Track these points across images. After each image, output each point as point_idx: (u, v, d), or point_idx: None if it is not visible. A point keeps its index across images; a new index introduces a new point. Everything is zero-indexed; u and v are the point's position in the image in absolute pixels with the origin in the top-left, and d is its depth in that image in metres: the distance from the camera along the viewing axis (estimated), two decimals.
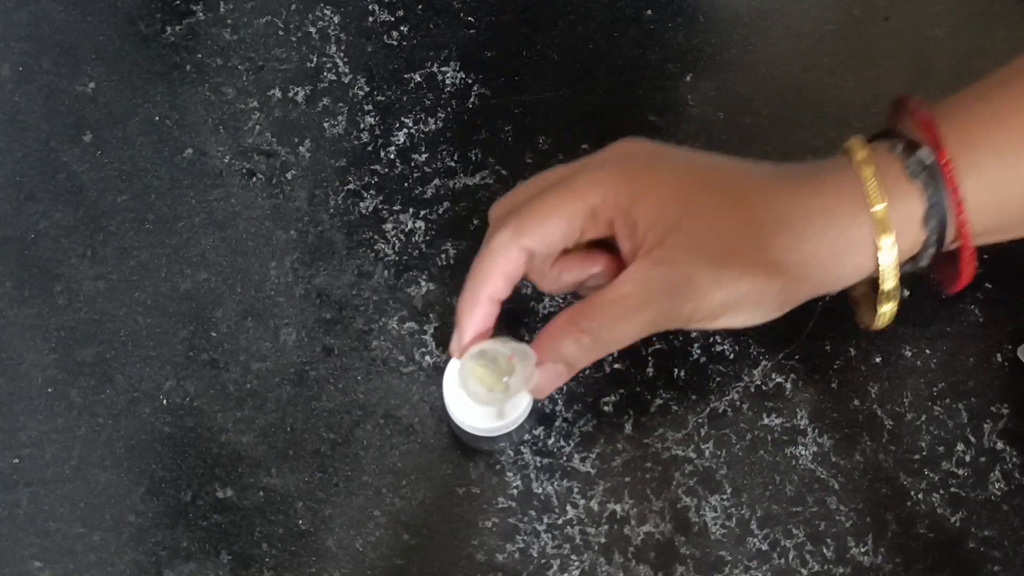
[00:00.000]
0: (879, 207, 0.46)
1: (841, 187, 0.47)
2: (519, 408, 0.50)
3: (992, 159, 0.46)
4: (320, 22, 0.62)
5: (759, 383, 0.54)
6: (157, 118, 0.60)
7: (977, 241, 0.47)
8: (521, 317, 0.55)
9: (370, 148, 0.59)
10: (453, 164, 0.59)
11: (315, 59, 0.61)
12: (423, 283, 0.56)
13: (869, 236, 0.46)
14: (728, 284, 0.46)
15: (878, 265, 0.47)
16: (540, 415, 0.54)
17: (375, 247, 0.57)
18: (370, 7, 0.62)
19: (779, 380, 0.54)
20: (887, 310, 0.49)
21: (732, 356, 0.55)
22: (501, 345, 0.50)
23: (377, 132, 0.59)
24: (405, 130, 0.59)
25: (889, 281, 0.47)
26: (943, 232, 0.47)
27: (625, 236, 0.48)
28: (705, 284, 0.46)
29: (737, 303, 0.47)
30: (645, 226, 0.47)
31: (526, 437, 0.53)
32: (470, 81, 0.60)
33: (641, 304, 0.47)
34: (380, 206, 0.58)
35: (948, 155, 0.45)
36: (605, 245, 0.50)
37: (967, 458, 0.53)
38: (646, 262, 0.46)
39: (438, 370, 0.54)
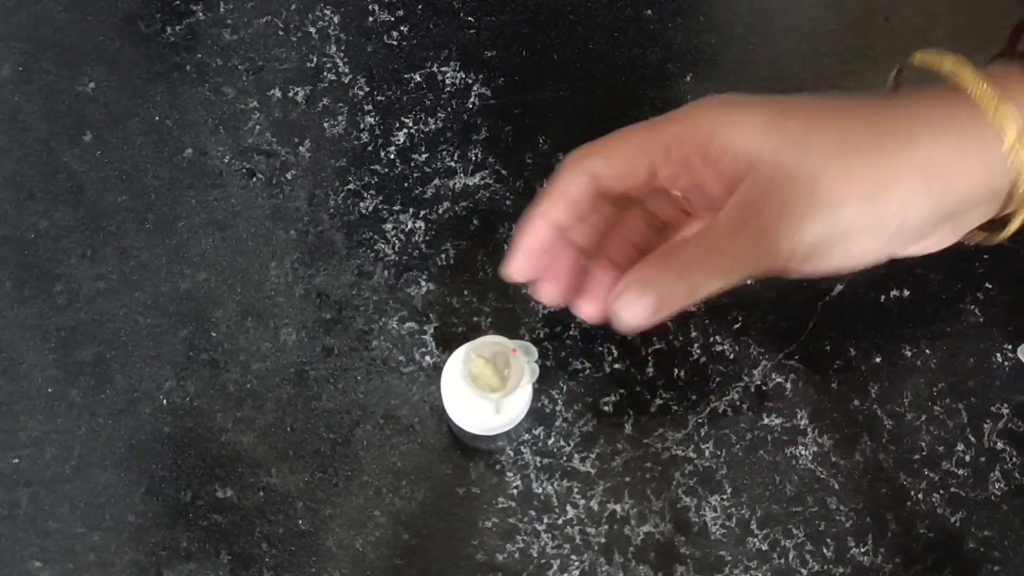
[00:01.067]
0: (1002, 107, 0.41)
1: (955, 96, 0.42)
2: (516, 406, 0.50)
3: None
4: (320, 22, 0.62)
5: (759, 383, 0.54)
6: (157, 118, 0.60)
7: None
8: (521, 317, 0.55)
9: (370, 148, 0.59)
10: (453, 164, 0.59)
11: (315, 59, 0.61)
12: (423, 283, 0.56)
13: (994, 136, 0.41)
14: (830, 200, 0.41)
15: (1009, 168, 0.41)
16: (540, 415, 0.54)
17: (375, 247, 0.57)
18: (370, 7, 0.62)
19: (779, 380, 0.54)
20: (1020, 220, 0.44)
21: (732, 356, 0.55)
22: (505, 340, 0.50)
23: (377, 132, 0.59)
24: (405, 130, 0.59)
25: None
26: None
27: (708, 177, 0.43)
28: (802, 204, 0.41)
29: (846, 225, 0.41)
30: (729, 160, 0.42)
31: (526, 437, 0.53)
32: (470, 81, 0.60)
33: (735, 229, 0.42)
34: (380, 206, 0.58)
35: None
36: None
37: (967, 458, 0.53)
38: (736, 196, 0.42)
39: (438, 370, 0.54)
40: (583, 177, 0.45)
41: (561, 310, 0.55)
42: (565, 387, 0.54)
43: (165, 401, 0.54)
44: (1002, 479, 0.53)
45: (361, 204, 0.58)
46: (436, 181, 0.58)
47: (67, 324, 0.56)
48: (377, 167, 0.59)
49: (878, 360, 0.54)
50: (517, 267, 0.46)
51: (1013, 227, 0.44)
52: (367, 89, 0.60)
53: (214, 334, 0.56)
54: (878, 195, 0.41)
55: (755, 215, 0.41)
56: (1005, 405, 0.54)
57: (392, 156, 0.59)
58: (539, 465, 0.53)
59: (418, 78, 0.60)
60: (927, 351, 0.55)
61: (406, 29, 0.61)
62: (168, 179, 0.58)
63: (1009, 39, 0.46)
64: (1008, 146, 0.41)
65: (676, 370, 0.55)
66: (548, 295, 0.47)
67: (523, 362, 0.49)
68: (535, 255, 0.46)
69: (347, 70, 0.61)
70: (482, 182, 0.58)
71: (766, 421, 0.54)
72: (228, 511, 0.52)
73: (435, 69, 0.61)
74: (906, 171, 0.41)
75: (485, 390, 0.49)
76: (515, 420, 0.50)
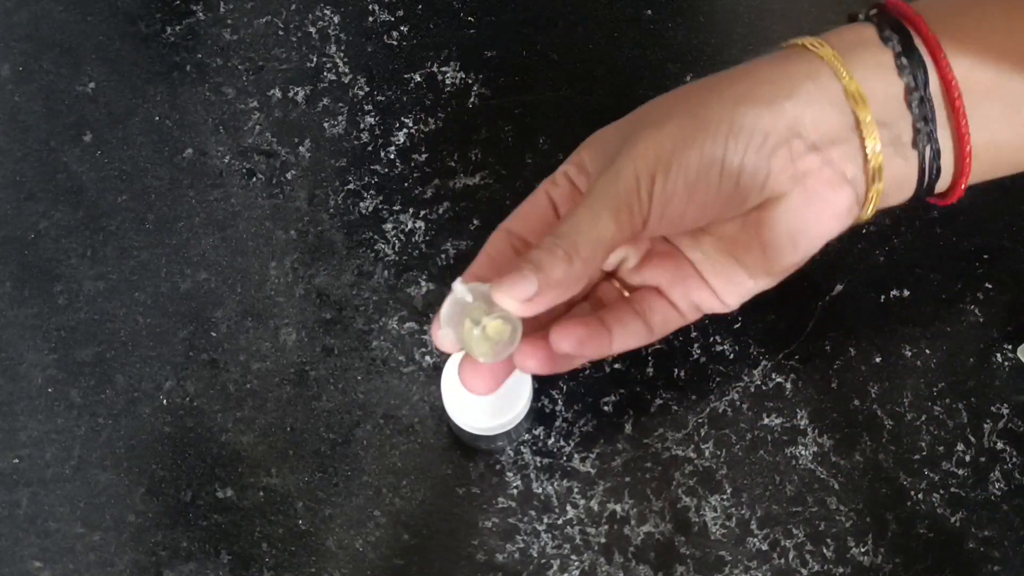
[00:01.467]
0: (847, 75, 0.43)
1: (814, 64, 0.44)
2: (517, 406, 0.50)
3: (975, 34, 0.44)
4: (320, 22, 0.62)
5: (759, 383, 0.54)
6: (157, 118, 0.60)
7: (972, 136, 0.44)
8: None
9: (370, 148, 0.59)
10: (453, 164, 0.59)
11: (315, 59, 0.61)
12: (423, 283, 0.56)
13: (841, 96, 0.43)
14: (716, 143, 0.42)
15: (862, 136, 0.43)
16: (540, 415, 0.54)
17: (375, 247, 0.57)
18: (370, 7, 0.62)
19: (779, 380, 0.54)
20: (874, 193, 0.44)
21: (732, 356, 0.55)
22: (469, 290, 0.44)
23: (377, 132, 0.59)
24: (405, 130, 0.59)
25: (874, 157, 0.43)
26: (929, 109, 0.43)
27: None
28: (700, 146, 0.42)
29: (706, 165, 0.43)
30: (592, 163, 0.46)
31: (526, 437, 0.53)
32: (470, 81, 0.60)
33: (600, 195, 0.43)
34: (380, 206, 0.58)
35: (936, 39, 0.43)
36: None
37: (967, 458, 0.53)
38: (603, 174, 0.43)
39: (438, 370, 0.54)
40: (500, 234, 0.46)
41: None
42: (565, 387, 0.54)
43: (165, 401, 0.54)
44: (1002, 479, 0.53)
45: (361, 204, 0.58)
46: (436, 181, 0.58)
47: (67, 324, 0.56)
48: (377, 167, 0.59)
49: (878, 360, 0.54)
50: (469, 274, 0.45)
51: (870, 210, 0.45)
52: (367, 89, 0.60)
53: (214, 334, 0.56)
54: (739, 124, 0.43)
55: (615, 172, 0.43)
56: (1005, 405, 0.54)
57: (392, 156, 0.59)
58: (539, 465, 0.53)
59: (418, 78, 0.60)
60: (927, 351, 0.55)
61: (406, 29, 0.61)
62: (168, 179, 0.58)
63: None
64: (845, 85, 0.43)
65: (676, 370, 0.55)
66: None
67: (480, 292, 0.43)
68: (491, 258, 0.46)
69: (347, 70, 0.61)
70: (482, 182, 0.58)
71: (766, 421, 0.54)
72: (228, 511, 0.52)
73: (435, 69, 0.61)
74: (756, 106, 0.43)
75: (495, 343, 0.43)
76: (515, 420, 0.50)
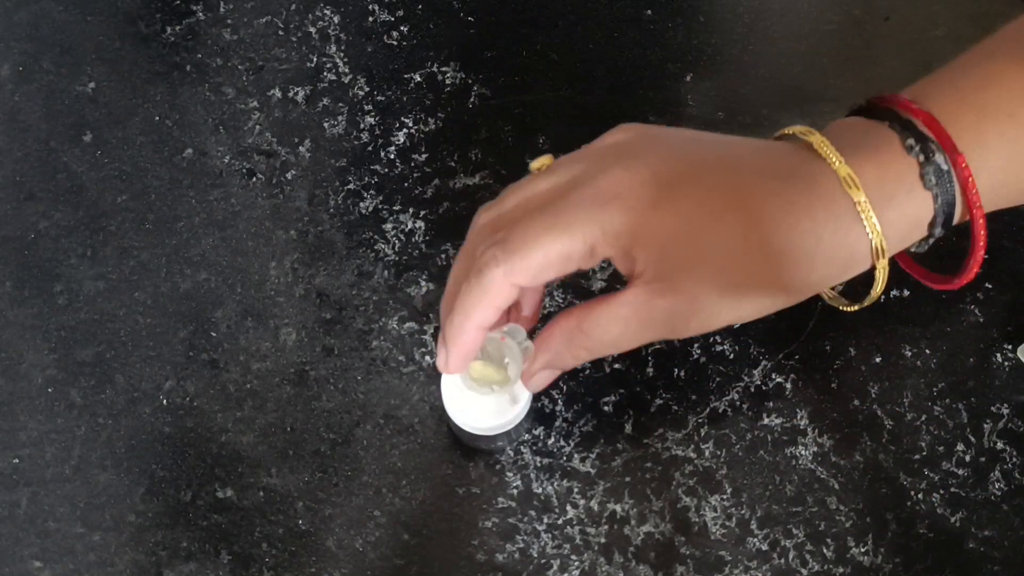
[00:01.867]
0: (878, 235, 0.45)
1: (832, 193, 0.45)
2: (516, 406, 0.50)
3: (997, 144, 0.45)
4: (320, 22, 0.62)
5: (759, 383, 0.54)
6: (157, 118, 0.60)
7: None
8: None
9: (370, 148, 0.59)
10: (453, 164, 0.59)
11: (315, 59, 0.61)
12: (423, 283, 0.56)
13: (868, 252, 0.45)
14: (733, 307, 0.46)
15: (874, 267, 0.46)
16: (540, 415, 0.54)
17: (375, 247, 0.57)
18: (370, 7, 0.62)
19: (779, 380, 0.54)
20: (869, 301, 0.49)
21: (732, 356, 0.55)
22: (491, 334, 0.49)
23: (377, 132, 0.59)
24: (405, 130, 0.59)
25: (878, 287, 0.47)
26: (948, 224, 0.46)
27: (623, 265, 0.46)
28: (708, 310, 0.45)
29: (740, 319, 0.47)
30: (645, 262, 0.45)
31: (526, 437, 0.53)
32: (470, 81, 0.60)
33: (639, 330, 0.46)
34: (380, 206, 0.58)
35: (964, 160, 0.44)
36: None
37: (967, 458, 0.53)
38: (646, 291, 0.45)
39: (438, 370, 0.54)
40: (512, 291, 0.46)
41: (561, 310, 0.55)
42: (565, 387, 0.54)
43: (165, 401, 0.54)
44: (1002, 479, 0.53)
45: (361, 204, 0.58)
46: (436, 181, 0.58)
47: (67, 324, 0.56)
48: (377, 167, 0.59)
49: (878, 360, 0.54)
50: (456, 368, 0.48)
51: (878, 287, 0.47)
52: (367, 89, 0.60)
53: (214, 334, 0.56)
54: (772, 298, 0.46)
55: (665, 315, 0.46)
56: (1005, 405, 0.54)
57: (392, 156, 0.59)
58: (539, 465, 0.53)
59: (418, 78, 0.60)
60: (927, 351, 0.55)
61: (406, 29, 0.61)
62: (168, 179, 0.58)
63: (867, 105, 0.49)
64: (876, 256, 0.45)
65: (676, 370, 0.55)
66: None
67: (515, 345, 0.48)
68: (470, 356, 0.48)
69: (347, 70, 0.61)
70: (482, 182, 0.58)
71: (766, 421, 0.54)
72: (228, 511, 0.52)
73: (435, 69, 0.61)
74: (797, 280, 0.46)
75: (493, 386, 0.49)
76: (515, 420, 0.50)
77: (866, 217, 0.44)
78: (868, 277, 0.47)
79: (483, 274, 0.45)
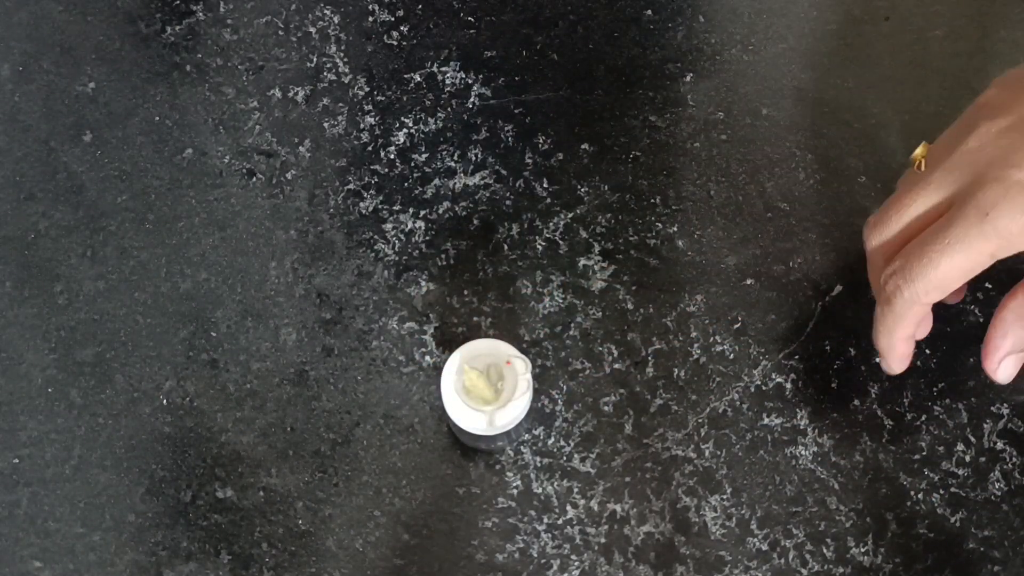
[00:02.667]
0: None
1: None
2: (516, 407, 0.50)
3: None
4: (320, 22, 0.62)
5: (759, 383, 0.54)
6: (157, 118, 0.60)
7: None
8: (521, 317, 0.55)
9: (370, 148, 0.59)
10: (453, 164, 0.59)
11: (315, 59, 0.61)
12: (423, 283, 0.56)
13: None
14: None
15: None
16: (540, 415, 0.54)
17: (375, 247, 0.57)
18: (370, 7, 0.62)
19: (779, 380, 0.54)
20: None
21: (732, 356, 0.55)
22: (502, 348, 0.50)
23: (377, 132, 0.59)
24: (405, 130, 0.59)
25: None
26: None
27: None
28: None
29: None
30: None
31: (526, 437, 0.53)
32: (470, 81, 0.60)
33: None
34: (380, 206, 0.58)
35: None
36: None
37: (967, 458, 0.53)
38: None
39: (438, 370, 0.54)
40: (926, 309, 0.50)
41: (561, 310, 0.55)
42: (565, 387, 0.54)
43: (165, 401, 0.54)
44: (1002, 479, 0.53)
45: (361, 204, 0.58)
46: (436, 181, 0.58)
47: (67, 324, 0.56)
48: (377, 167, 0.59)
49: (878, 360, 0.54)
50: (898, 367, 0.52)
51: None
52: (367, 89, 0.60)
53: (214, 334, 0.56)
54: None
55: None
56: (1005, 405, 0.54)
57: (392, 156, 0.59)
58: (539, 465, 0.53)
59: (418, 78, 0.60)
60: (927, 351, 0.55)
61: (406, 29, 0.61)
62: (168, 179, 0.58)
63: None
64: None
65: (676, 370, 0.55)
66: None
67: (516, 375, 0.49)
68: (906, 360, 0.52)
69: (347, 70, 0.61)
70: (482, 182, 0.58)
71: (766, 421, 0.54)
72: (228, 511, 0.52)
73: (435, 69, 0.61)
74: None
75: (479, 403, 0.50)
76: (515, 421, 0.50)
77: None
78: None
79: (893, 304, 0.49)
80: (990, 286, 0.56)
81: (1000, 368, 0.50)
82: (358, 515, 0.52)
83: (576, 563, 0.51)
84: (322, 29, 0.61)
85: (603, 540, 0.52)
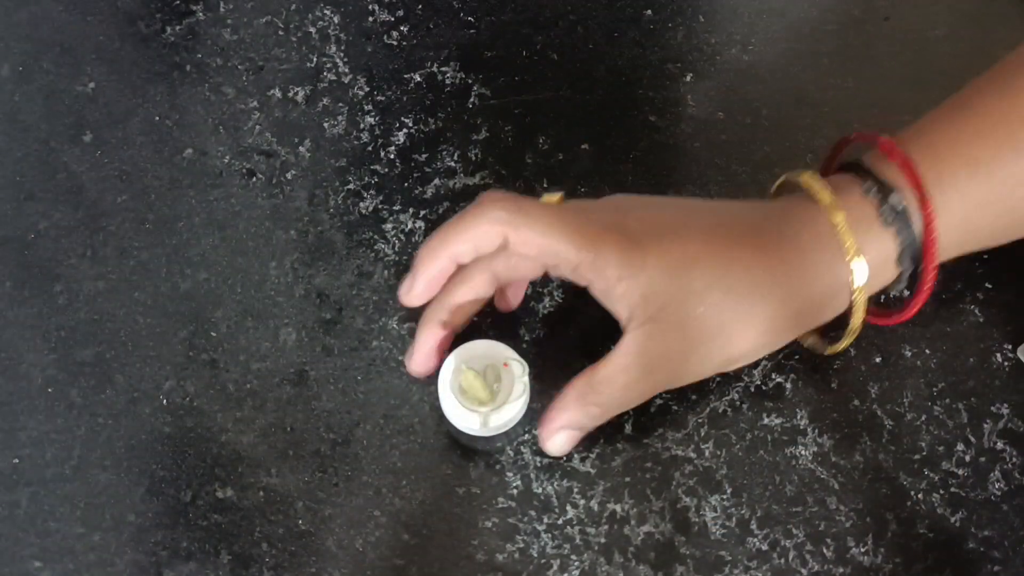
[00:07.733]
0: (858, 260, 0.48)
1: (819, 236, 0.48)
2: (506, 416, 0.50)
3: (962, 191, 0.48)
4: (320, 22, 0.62)
5: (759, 383, 0.54)
6: (157, 118, 0.60)
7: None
8: (521, 317, 0.55)
9: (370, 148, 0.59)
10: (453, 164, 0.59)
11: (315, 59, 0.61)
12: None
13: (847, 282, 0.48)
14: (724, 349, 0.48)
15: (851, 305, 0.49)
16: (540, 415, 0.54)
17: (375, 247, 0.57)
18: (370, 7, 0.62)
19: (779, 380, 0.54)
20: (849, 343, 0.51)
21: None
22: (500, 350, 0.50)
23: (377, 132, 0.59)
24: (405, 130, 0.59)
25: (857, 317, 0.49)
26: (916, 267, 0.49)
27: (608, 301, 0.49)
28: (701, 354, 0.48)
29: (735, 362, 0.50)
30: (635, 301, 0.47)
31: (526, 437, 0.53)
32: (470, 81, 0.60)
33: (641, 375, 0.48)
34: (380, 206, 0.58)
35: (931, 205, 0.47)
36: None
37: (967, 458, 0.53)
38: (640, 335, 0.48)
39: (437, 370, 0.54)
40: (498, 237, 0.48)
41: (561, 310, 0.55)
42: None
43: (165, 401, 0.54)
44: (1002, 479, 0.53)
45: (361, 204, 0.58)
46: (436, 181, 0.58)
47: (67, 324, 0.56)
48: (377, 167, 0.59)
49: (878, 360, 0.54)
50: (418, 296, 0.51)
51: (840, 348, 0.52)
52: (367, 89, 0.60)
53: (214, 334, 0.56)
54: (764, 340, 0.49)
55: (661, 360, 0.48)
56: (1005, 405, 0.54)
57: (392, 156, 0.59)
58: (539, 465, 0.53)
59: (418, 78, 0.60)
60: (927, 351, 0.55)
61: (406, 29, 0.62)
62: (168, 179, 0.58)
63: (832, 150, 0.52)
64: (853, 292, 0.48)
65: None
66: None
67: (513, 377, 0.50)
68: (430, 286, 0.50)
69: (347, 70, 0.61)
70: (482, 182, 0.58)
71: (766, 421, 0.54)
72: (228, 511, 0.52)
73: (435, 69, 0.61)
74: (784, 320, 0.49)
75: (474, 403, 0.50)
76: (510, 423, 0.50)
77: (845, 237, 0.47)
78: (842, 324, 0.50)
79: (481, 208, 0.48)
80: (990, 286, 0.56)
81: (552, 440, 0.50)
82: (358, 515, 0.52)
83: (576, 563, 0.51)
84: (322, 29, 0.61)
85: (603, 540, 0.52)
